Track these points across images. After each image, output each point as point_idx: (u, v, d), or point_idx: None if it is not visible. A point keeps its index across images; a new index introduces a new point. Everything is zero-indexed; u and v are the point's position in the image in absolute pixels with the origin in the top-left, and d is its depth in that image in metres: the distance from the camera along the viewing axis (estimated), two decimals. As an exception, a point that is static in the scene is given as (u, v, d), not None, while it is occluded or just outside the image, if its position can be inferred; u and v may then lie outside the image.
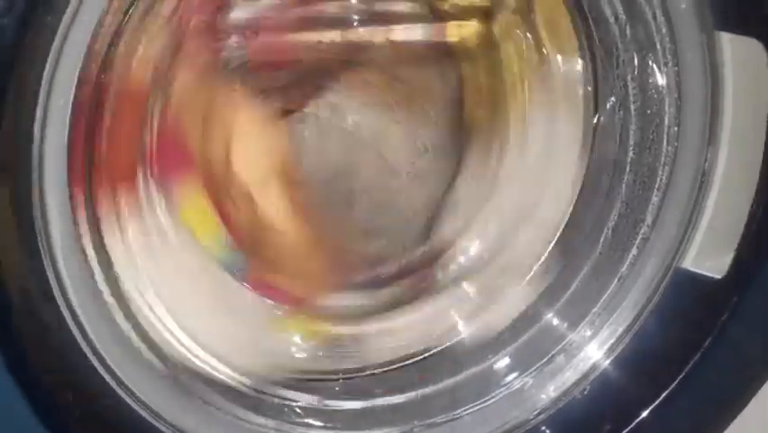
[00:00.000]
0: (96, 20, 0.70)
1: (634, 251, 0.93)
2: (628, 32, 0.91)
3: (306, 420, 0.91)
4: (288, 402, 0.91)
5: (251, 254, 0.94)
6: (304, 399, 0.92)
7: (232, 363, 0.89)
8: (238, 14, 0.90)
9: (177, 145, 0.89)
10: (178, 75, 0.88)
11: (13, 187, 0.70)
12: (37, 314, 0.73)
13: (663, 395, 0.88)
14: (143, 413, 0.79)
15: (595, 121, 0.96)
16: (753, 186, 0.87)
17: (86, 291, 0.77)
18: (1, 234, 0.71)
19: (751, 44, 0.83)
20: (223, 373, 0.89)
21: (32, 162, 0.70)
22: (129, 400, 0.78)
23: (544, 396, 0.92)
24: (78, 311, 0.75)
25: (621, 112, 0.95)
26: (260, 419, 0.88)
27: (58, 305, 0.74)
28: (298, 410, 0.91)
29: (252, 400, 0.89)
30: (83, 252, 0.77)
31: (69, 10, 0.67)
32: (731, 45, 0.84)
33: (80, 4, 0.67)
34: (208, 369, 0.88)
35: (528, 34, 0.96)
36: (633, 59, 0.91)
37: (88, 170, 0.79)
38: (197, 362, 0.87)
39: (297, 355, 0.95)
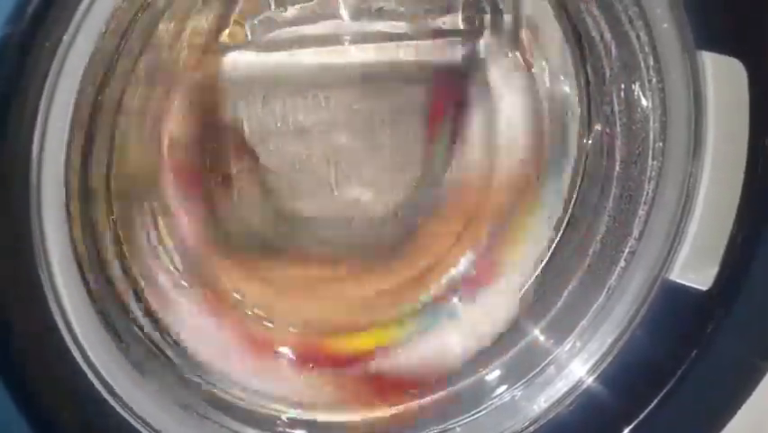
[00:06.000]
0: (95, 42, 0.71)
1: (621, 263, 0.94)
2: (614, 51, 0.92)
3: (293, 432, 0.92)
4: (275, 413, 0.92)
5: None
6: (292, 410, 0.93)
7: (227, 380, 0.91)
8: (234, 33, 0.91)
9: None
10: (175, 93, 0.89)
11: (12, 203, 0.71)
12: (35, 331, 0.74)
13: (647, 410, 0.89)
14: (132, 421, 0.79)
15: (584, 139, 0.97)
16: (736, 199, 0.88)
17: (84, 309, 0.78)
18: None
19: (732, 63, 0.85)
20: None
21: (30, 180, 0.71)
22: (123, 413, 0.79)
23: (535, 407, 0.93)
24: (77, 331, 0.76)
25: (608, 128, 0.96)
26: (247, 429, 0.89)
27: (59, 328, 0.75)
28: (286, 420, 0.92)
29: (237, 408, 0.90)
30: (79, 265, 0.78)
31: (68, 34, 0.68)
32: (713, 64, 0.85)
33: (79, 26, 0.68)
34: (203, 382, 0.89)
35: (517, 54, 0.98)
36: (619, 77, 0.93)
37: (84, 188, 0.81)
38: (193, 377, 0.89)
39: (291, 374, 0.96)
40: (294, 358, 0.96)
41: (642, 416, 0.90)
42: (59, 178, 0.74)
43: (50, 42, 0.67)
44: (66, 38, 0.68)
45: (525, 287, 0.99)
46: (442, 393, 0.96)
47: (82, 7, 0.68)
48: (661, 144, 0.92)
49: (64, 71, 0.69)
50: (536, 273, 0.99)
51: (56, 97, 0.70)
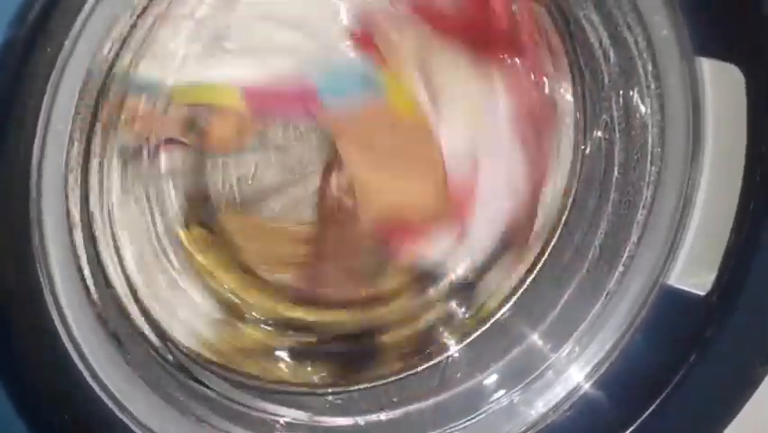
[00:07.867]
0: (95, 48, 0.71)
1: (620, 268, 0.94)
2: (612, 57, 0.93)
3: None
4: (273, 417, 0.92)
5: None
6: (290, 414, 0.93)
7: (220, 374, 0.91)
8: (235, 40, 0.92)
9: None
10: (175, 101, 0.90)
11: (12, 203, 0.71)
12: (34, 335, 0.74)
13: (645, 416, 0.89)
14: (132, 425, 0.80)
15: (583, 145, 0.98)
16: (734, 204, 0.88)
17: (82, 309, 0.78)
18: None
19: (730, 70, 0.85)
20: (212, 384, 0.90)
21: (30, 183, 0.71)
22: (121, 416, 0.79)
23: (533, 412, 0.93)
24: (76, 336, 0.77)
25: (607, 134, 0.96)
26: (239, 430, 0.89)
27: (55, 326, 0.75)
28: (284, 424, 0.92)
29: (235, 412, 0.90)
30: (79, 270, 0.78)
31: (69, 39, 0.68)
32: (711, 70, 0.86)
33: (80, 32, 0.69)
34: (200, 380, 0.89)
35: (517, 60, 0.98)
36: (617, 83, 0.93)
37: (84, 192, 0.81)
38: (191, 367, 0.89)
39: (284, 368, 0.96)
40: (291, 361, 0.97)
41: (639, 421, 0.90)
42: (60, 182, 0.74)
43: (52, 48, 0.68)
44: (67, 43, 0.69)
45: (521, 290, 0.99)
46: (439, 397, 0.96)
47: (83, 13, 0.68)
48: (659, 150, 0.92)
49: (65, 77, 0.70)
50: (533, 276, 0.99)
51: (57, 102, 0.70)
